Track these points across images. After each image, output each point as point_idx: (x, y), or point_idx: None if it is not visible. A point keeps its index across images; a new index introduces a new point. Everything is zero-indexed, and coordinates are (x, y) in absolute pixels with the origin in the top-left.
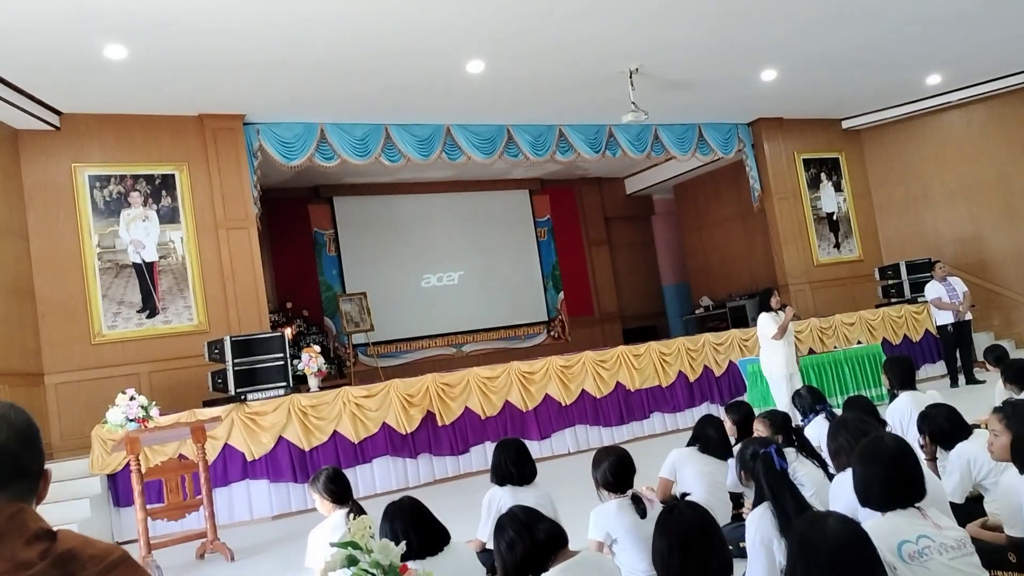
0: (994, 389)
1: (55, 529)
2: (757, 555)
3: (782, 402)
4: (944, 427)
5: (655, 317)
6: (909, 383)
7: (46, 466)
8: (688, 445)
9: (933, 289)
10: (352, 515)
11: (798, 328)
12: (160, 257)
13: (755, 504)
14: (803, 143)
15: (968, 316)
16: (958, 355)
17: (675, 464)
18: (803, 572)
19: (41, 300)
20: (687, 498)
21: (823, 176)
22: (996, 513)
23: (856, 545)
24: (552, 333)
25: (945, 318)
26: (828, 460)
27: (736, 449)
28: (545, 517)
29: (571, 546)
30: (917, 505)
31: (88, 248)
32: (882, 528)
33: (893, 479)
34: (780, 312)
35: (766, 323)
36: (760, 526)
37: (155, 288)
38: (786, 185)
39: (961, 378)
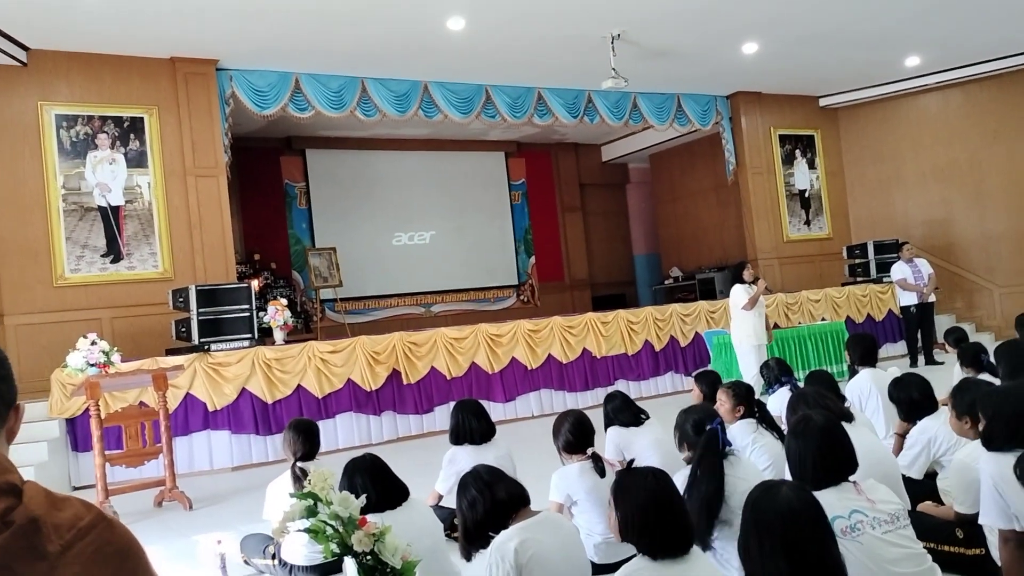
0: (952, 370)
1: (22, 482)
2: None
3: (749, 373)
4: (914, 396)
5: (625, 286)
6: (869, 360)
7: (18, 400)
8: (606, 427)
9: (899, 270)
10: (296, 475)
11: (765, 302)
12: (126, 201)
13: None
14: (780, 119)
15: (932, 298)
16: (920, 336)
17: (618, 444)
18: (755, 539)
19: (2, 239)
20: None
21: (798, 153)
22: (947, 491)
23: (808, 513)
24: (522, 297)
25: (909, 299)
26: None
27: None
28: (507, 477)
29: (532, 507)
30: (852, 479)
31: (53, 189)
32: None
33: (824, 455)
34: (753, 285)
35: (738, 294)
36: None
37: (120, 233)
38: (761, 160)
39: (921, 358)
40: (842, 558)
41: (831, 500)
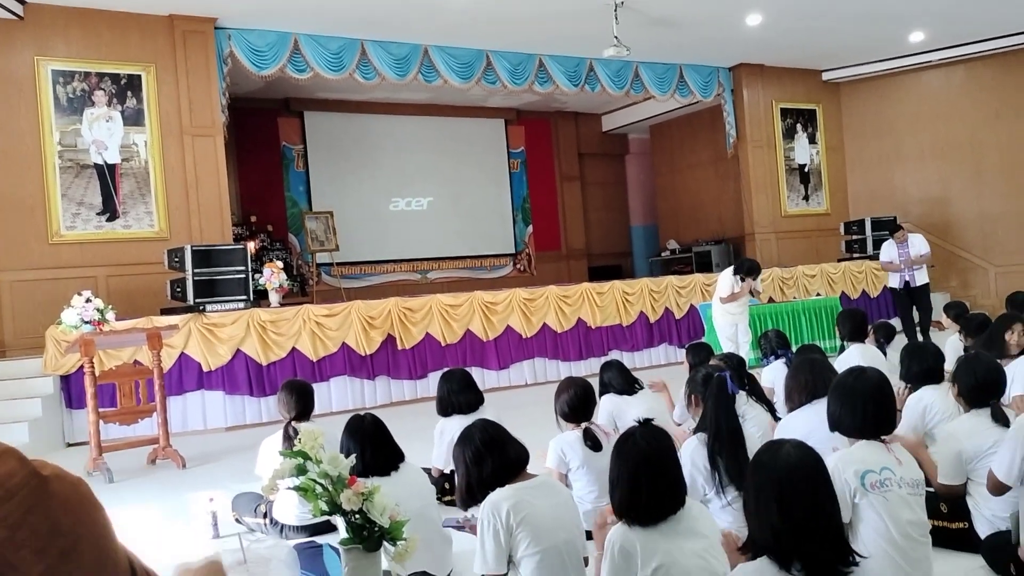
0: (945, 345)
1: None
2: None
3: (725, 348)
4: (929, 363)
5: (621, 257)
6: (859, 336)
7: None
8: (601, 395)
9: (886, 251)
10: (288, 434)
11: (762, 276)
12: (123, 160)
13: (696, 430)
14: (782, 92)
15: (920, 281)
16: (917, 315)
17: (611, 412)
18: (753, 493)
19: None
20: (652, 422)
21: (799, 127)
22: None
23: (805, 470)
24: (518, 266)
25: (894, 280)
26: (776, 405)
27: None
28: (511, 438)
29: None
30: (884, 438)
31: (49, 145)
32: (850, 457)
33: (870, 410)
34: (743, 281)
35: (724, 283)
36: (692, 456)
37: (116, 191)
38: (762, 133)
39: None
40: (839, 517)
41: (864, 455)
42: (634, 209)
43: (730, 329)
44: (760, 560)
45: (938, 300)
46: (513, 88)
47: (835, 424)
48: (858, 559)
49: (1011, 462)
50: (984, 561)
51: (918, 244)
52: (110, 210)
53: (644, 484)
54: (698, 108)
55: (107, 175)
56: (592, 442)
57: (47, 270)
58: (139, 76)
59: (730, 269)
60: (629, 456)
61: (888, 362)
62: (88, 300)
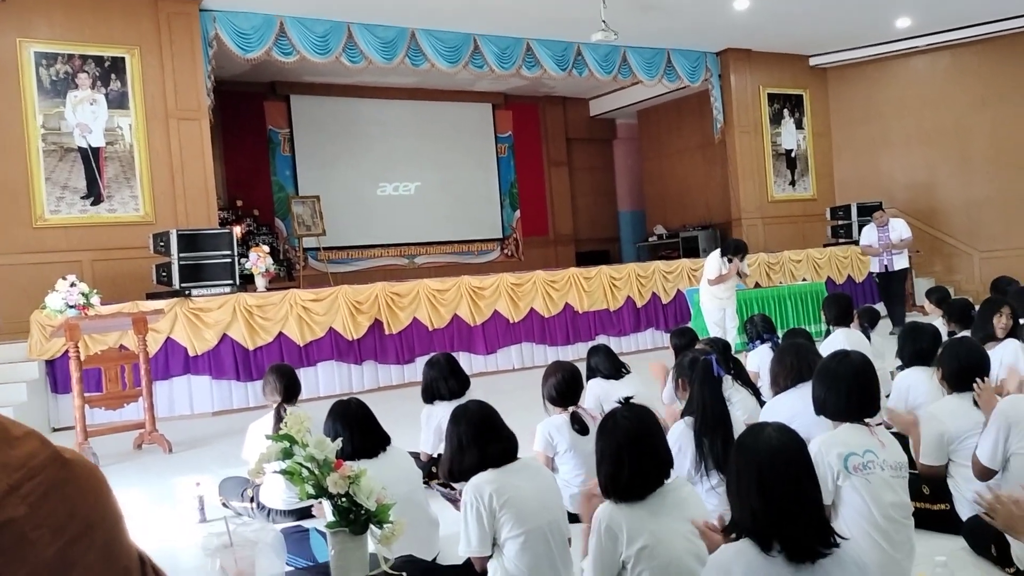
0: None
1: None
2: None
3: (712, 333)
4: (923, 345)
5: (609, 242)
6: (844, 321)
7: None
8: (588, 379)
9: (866, 235)
10: (279, 416)
11: (748, 260)
12: (107, 143)
13: (683, 414)
14: (769, 77)
15: (899, 265)
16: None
17: (598, 396)
18: (734, 476)
19: None
20: (632, 400)
21: (786, 112)
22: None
23: (787, 453)
24: (506, 251)
25: (874, 265)
26: (762, 389)
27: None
28: (503, 433)
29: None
30: (867, 421)
31: (32, 128)
32: (833, 440)
33: (853, 393)
34: (729, 262)
35: (711, 265)
36: (680, 440)
37: (101, 175)
38: (749, 119)
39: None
40: (820, 500)
41: (849, 438)
42: (621, 194)
43: (718, 314)
44: (741, 542)
45: (922, 285)
46: (501, 72)
47: (820, 407)
48: (839, 541)
49: (994, 446)
50: (965, 543)
51: (899, 228)
52: (94, 194)
53: (628, 461)
54: (686, 93)
55: (91, 159)
56: (579, 426)
57: (31, 254)
58: (123, 59)
59: (717, 251)
60: (612, 434)
61: (872, 346)
62: (73, 284)
